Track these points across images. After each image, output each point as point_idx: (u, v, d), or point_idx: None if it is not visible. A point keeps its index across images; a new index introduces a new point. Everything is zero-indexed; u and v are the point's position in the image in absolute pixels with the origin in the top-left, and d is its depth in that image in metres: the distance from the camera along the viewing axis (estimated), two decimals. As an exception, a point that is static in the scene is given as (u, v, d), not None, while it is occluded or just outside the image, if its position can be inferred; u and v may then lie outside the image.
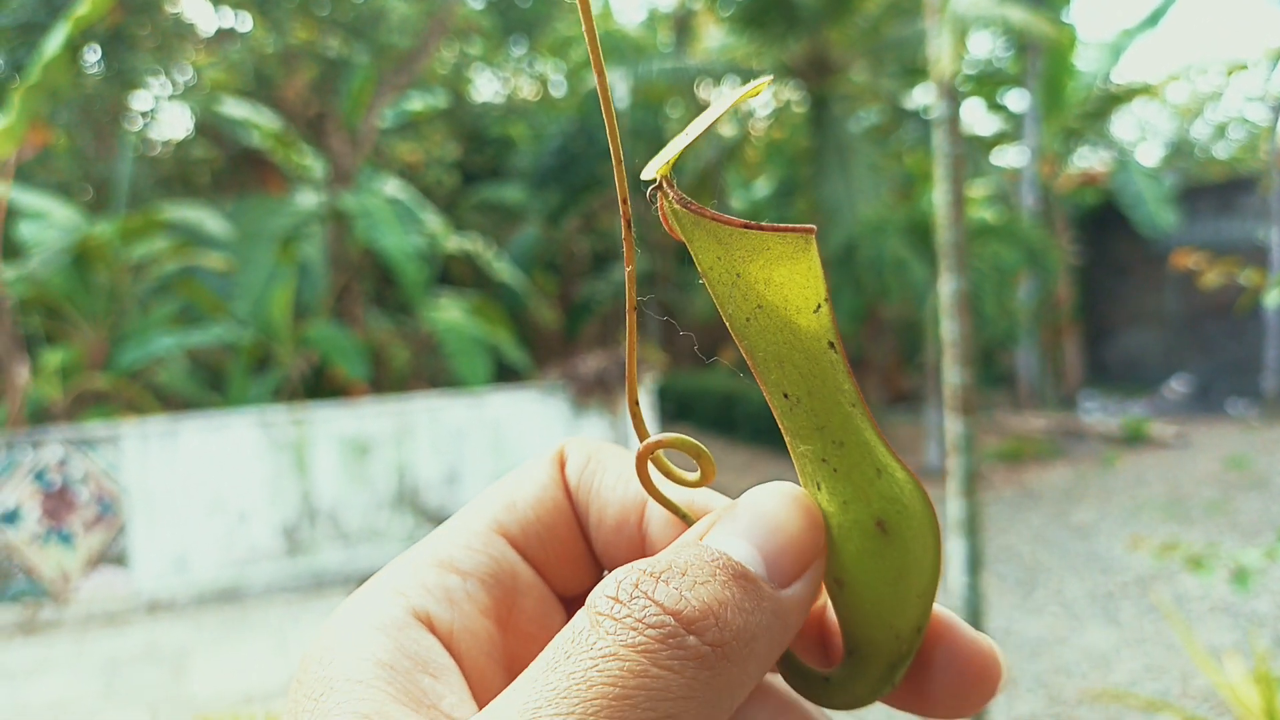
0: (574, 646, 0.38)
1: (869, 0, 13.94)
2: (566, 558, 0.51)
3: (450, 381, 11.84)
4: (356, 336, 11.69)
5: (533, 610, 0.49)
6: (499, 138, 19.40)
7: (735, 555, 0.42)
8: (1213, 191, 16.84)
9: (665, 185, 0.43)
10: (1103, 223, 17.99)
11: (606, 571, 0.53)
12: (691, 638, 0.38)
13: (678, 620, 0.38)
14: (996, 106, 18.16)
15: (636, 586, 0.39)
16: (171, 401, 10.97)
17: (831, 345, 0.43)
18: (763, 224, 0.42)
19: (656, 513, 0.51)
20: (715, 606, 0.39)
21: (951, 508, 3.81)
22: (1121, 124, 24.59)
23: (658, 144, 18.70)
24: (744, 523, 0.44)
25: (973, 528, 3.82)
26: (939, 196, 3.86)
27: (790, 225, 0.42)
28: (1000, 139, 18.91)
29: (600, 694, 0.36)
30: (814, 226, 0.42)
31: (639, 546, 0.51)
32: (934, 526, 0.44)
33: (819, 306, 0.43)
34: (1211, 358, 16.79)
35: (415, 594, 0.46)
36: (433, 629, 0.45)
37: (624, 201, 0.46)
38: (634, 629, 0.38)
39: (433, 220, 12.07)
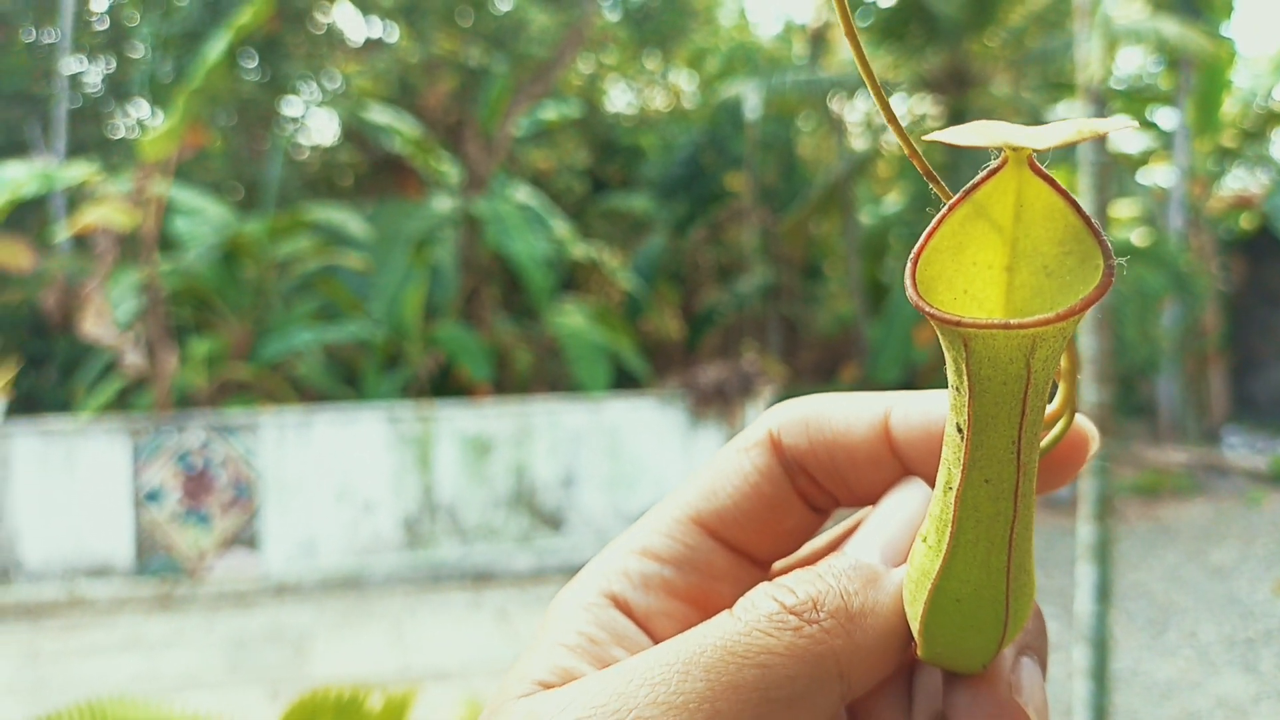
0: (703, 627, 0.45)
1: (1013, 12, 13.54)
2: (768, 535, 0.55)
3: (570, 386, 11.98)
4: (482, 338, 11.95)
5: (730, 594, 0.53)
6: (629, 147, 19.58)
7: (856, 554, 0.49)
8: (1382, 218, 15.74)
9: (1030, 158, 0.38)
10: (1256, 248, 17.03)
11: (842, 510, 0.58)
12: (792, 617, 0.44)
13: (784, 609, 0.45)
14: (1146, 124, 17.39)
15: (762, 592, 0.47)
16: (308, 393, 11.42)
17: (959, 429, 0.40)
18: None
19: (901, 419, 0.52)
20: (816, 596, 0.45)
21: (1081, 532, 3.67)
22: (1282, 145, 23.21)
23: (788, 156, 18.57)
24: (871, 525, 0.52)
25: (1103, 555, 3.66)
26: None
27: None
28: (1148, 157, 18.09)
29: (713, 649, 0.43)
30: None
31: (889, 462, 0.53)
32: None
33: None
34: (1375, 396, 15.69)
35: (614, 579, 0.53)
36: (628, 611, 0.52)
37: (889, 115, 0.42)
38: (747, 614, 0.45)
39: (561, 227, 12.26)
